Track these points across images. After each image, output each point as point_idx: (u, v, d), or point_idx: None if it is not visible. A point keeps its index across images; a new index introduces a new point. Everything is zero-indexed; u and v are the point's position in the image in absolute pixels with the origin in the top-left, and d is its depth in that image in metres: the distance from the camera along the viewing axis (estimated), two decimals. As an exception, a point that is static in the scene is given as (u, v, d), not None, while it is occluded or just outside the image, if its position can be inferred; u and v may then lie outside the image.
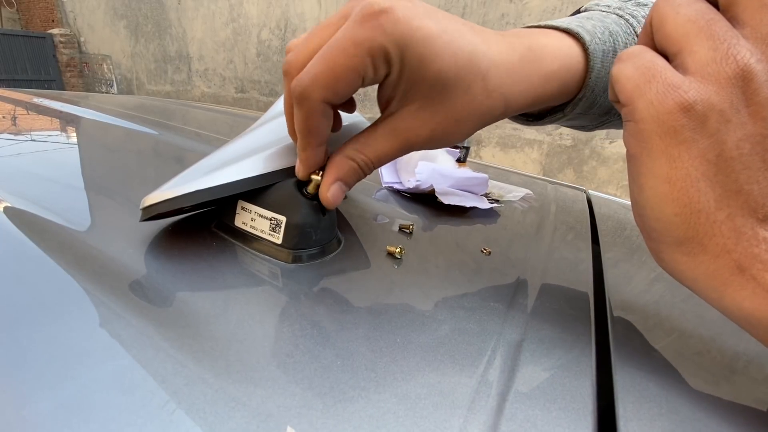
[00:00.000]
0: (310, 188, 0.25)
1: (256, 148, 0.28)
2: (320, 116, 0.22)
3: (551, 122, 0.30)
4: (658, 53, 0.18)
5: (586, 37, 0.25)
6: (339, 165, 0.24)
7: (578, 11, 0.31)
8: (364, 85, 0.22)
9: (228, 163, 0.26)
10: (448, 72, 0.21)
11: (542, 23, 0.27)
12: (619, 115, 0.30)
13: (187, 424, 0.14)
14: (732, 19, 0.16)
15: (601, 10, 0.29)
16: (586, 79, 0.26)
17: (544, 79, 0.24)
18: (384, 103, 0.23)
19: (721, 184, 0.16)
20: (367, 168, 0.24)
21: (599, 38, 0.26)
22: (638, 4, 0.29)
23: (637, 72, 0.17)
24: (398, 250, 0.29)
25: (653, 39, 0.18)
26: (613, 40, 0.26)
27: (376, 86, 0.23)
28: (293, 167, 0.27)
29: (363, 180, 0.26)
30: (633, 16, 0.28)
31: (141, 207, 0.24)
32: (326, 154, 0.25)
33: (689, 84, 0.16)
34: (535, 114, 0.30)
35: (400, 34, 0.20)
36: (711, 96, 0.16)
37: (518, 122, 0.31)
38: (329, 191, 0.24)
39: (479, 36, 0.22)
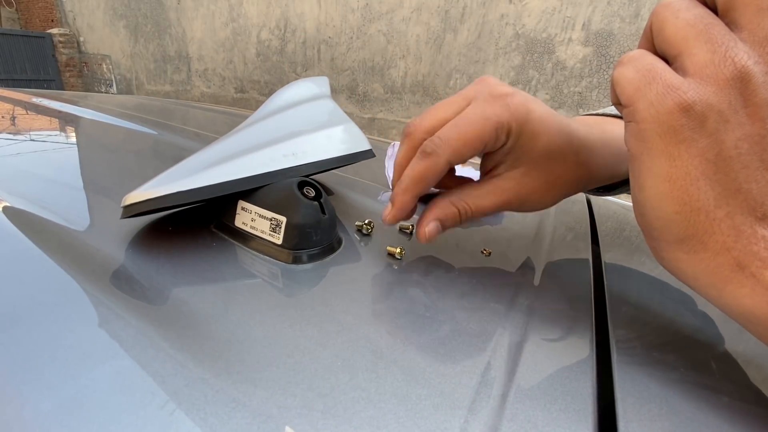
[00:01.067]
0: (307, 192, 0.26)
1: (244, 149, 0.28)
2: (436, 172, 0.25)
3: (624, 192, 0.35)
4: (659, 57, 0.18)
5: None
6: (441, 207, 0.27)
7: None
8: (483, 152, 0.26)
9: (215, 164, 0.26)
10: (553, 145, 0.26)
11: (601, 111, 0.32)
12: None
13: (187, 425, 0.14)
14: (730, 23, 0.17)
15: None
16: None
17: (617, 159, 0.29)
18: (491, 165, 0.27)
19: (720, 182, 0.17)
20: (465, 216, 0.27)
21: None
22: None
23: (637, 74, 0.18)
24: (398, 250, 0.29)
25: (653, 43, 0.19)
26: None
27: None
28: (281, 170, 0.27)
29: (366, 181, 0.28)
30: None
31: (122, 205, 0.24)
32: (416, 205, 0.27)
33: (688, 85, 0.16)
34: (609, 186, 0.36)
35: (522, 113, 0.24)
36: (710, 96, 0.16)
37: (597, 194, 0.38)
38: (427, 227, 0.26)
39: (567, 120, 0.27)
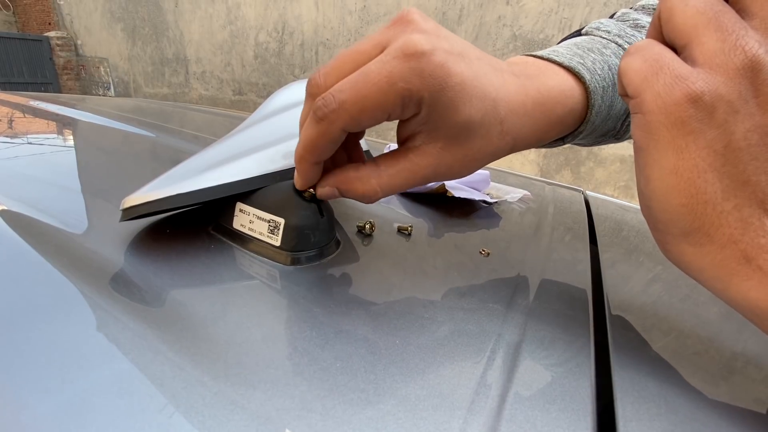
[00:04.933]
0: (306, 194, 0.26)
1: (242, 151, 0.28)
2: (331, 141, 0.22)
3: (550, 147, 0.32)
4: (667, 46, 0.18)
5: (587, 76, 0.27)
6: (347, 180, 0.24)
7: (579, 32, 0.33)
8: (388, 120, 0.22)
9: (213, 166, 0.26)
10: (475, 117, 0.22)
11: (546, 54, 0.28)
12: (613, 135, 0.32)
13: (186, 428, 0.14)
14: (741, 10, 0.16)
15: (602, 37, 0.30)
16: (587, 115, 0.27)
17: (549, 124, 0.26)
18: (406, 134, 0.24)
19: (728, 174, 0.16)
20: (373, 198, 0.24)
21: (599, 75, 0.27)
22: (636, 27, 0.31)
23: (645, 64, 0.17)
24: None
25: (662, 32, 0.18)
26: (612, 74, 0.28)
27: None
28: (279, 172, 0.27)
29: None
30: (630, 44, 0.29)
31: (121, 208, 0.24)
32: (321, 171, 0.25)
33: (697, 75, 0.16)
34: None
35: (437, 80, 0.20)
36: (719, 87, 0.16)
37: None
38: (323, 189, 0.24)
39: (500, 78, 0.23)
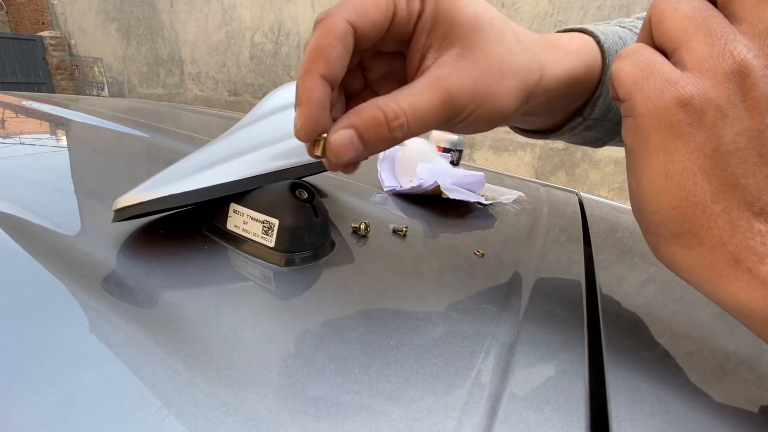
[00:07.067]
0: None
1: (236, 152, 0.28)
2: (337, 37, 0.18)
3: (570, 131, 0.30)
4: (657, 50, 0.18)
5: (601, 37, 0.26)
6: (361, 110, 0.19)
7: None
8: (394, 24, 0.20)
9: (207, 167, 0.26)
10: (483, 14, 0.20)
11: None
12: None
13: (178, 430, 0.14)
14: (729, 15, 0.17)
15: (606, 23, 0.31)
16: (603, 75, 0.27)
17: (567, 54, 0.24)
18: (419, 58, 0.21)
19: (717, 177, 0.17)
20: (396, 121, 0.19)
21: (611, 39, 0.27)
22: (638, 19, 0.31)
23: (635, 68, 0.18)
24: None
25: (652, 37, 0.19)
26: (623, 43, 0.28)
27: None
28: (274, 173, 0.27)
29: (359, 183, 0.25)
30: (636, 27, 0.30)
31: (114, 209, 0.24)
32: (328, 107, 0.20)
33: (686, 79, 0.16)
34: (552, 128, 0.31)
35: None
36: (708, 91, 0.16)
37: (536, 137, 0.32)
38: (336, 135, 0.19)
39: (510, 24, 0.22)
